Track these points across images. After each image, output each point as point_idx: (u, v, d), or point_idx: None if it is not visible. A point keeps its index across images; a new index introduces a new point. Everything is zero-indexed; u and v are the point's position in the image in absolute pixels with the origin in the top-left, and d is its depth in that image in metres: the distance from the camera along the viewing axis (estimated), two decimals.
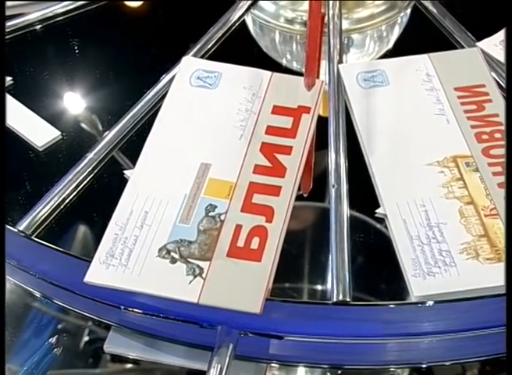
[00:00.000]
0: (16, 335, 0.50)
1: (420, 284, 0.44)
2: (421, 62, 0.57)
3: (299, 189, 0.52)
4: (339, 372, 0.48)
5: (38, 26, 0.67)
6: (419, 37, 0.66)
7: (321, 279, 0.48)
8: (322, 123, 0.55)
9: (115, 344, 0.49)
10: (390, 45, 0.67)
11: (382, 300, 0.45)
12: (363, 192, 0.51)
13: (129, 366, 0.50)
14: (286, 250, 0.46)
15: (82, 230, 0.51)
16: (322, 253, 0.49)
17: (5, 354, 0.48)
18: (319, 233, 0.51)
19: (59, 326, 0.51)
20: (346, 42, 0.67)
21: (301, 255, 0.50)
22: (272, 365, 0.48)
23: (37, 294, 0.50)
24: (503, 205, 0.47)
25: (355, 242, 0.48)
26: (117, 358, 0.49)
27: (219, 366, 0.44)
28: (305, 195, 0.54)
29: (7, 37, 0.64)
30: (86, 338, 0.51)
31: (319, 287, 0.48)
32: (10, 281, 0.50)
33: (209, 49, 0.63)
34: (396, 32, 0.69)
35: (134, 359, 0.49)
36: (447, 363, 0.47)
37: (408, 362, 0.47)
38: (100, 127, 0.58)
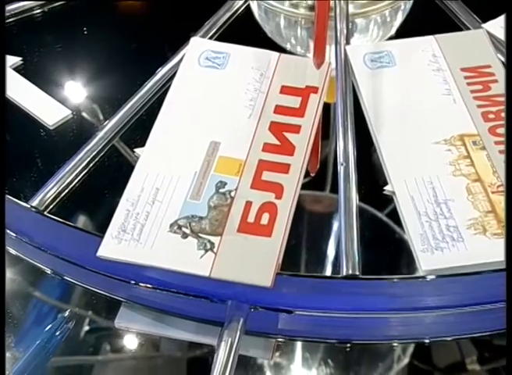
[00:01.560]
0: (17, 324, 0.50)
1: (428, 259, 0.44)
2: (427, 44, 0.58)
3: (306, 169, 0.53)
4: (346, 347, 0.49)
5: (49, 6, 0.67)
6: (424, 20, 0.66)
7: (331, 254, 0.48)
8: (330, 105, 0.55)
9: (126, 319, 0.49)
10: (395, 29, 0.68)
11: (391, 275, 0.46)
12: (371, 170, 0.51)
13: (138, 342, 0.50)
14: (295, 226, 0.47)
15: (93, 206, 0.52)
16: (332, 230, 0.49)
17: (7, 341, 0.49)
18: (328, 210, 0.52)
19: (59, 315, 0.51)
20: (350, 27, 0.68)
21: (311, 230, 0.51)
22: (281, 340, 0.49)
23: (48, 271, 0.51)
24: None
25: (364, 219, 0.48)
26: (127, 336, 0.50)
27: (230, 339, 0.44)
28: (312, 175, 0.54)
29: (17, 17, 0.65)
30: (95, 316, 0.52)
31: (329, 262, 0.48)
32: (22, 259, 0.51)
33: (214, 34, 0.63)
34: (402, 15, 0.69)
35: (144, 334, 0.49)
36: (449, 338, 0.48)
37: (412, 337, 0.48)
38: (110, 107, 0.58)
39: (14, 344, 0.48)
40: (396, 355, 0.48)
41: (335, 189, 0.50)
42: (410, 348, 0.48)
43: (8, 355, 0.47)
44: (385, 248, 0.49)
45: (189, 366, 0.49)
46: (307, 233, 0.50)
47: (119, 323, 0.49)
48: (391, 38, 0.66)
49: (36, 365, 0.47)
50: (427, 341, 0.48)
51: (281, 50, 0.65)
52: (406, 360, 0.48)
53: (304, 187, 0.50)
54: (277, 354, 0.48)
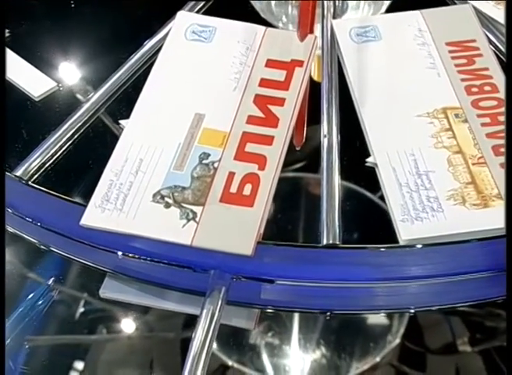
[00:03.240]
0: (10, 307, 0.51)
1: (408, 228, 0.45)
2: (413, 18, 0.58)
3: (292, 143, 0.53)
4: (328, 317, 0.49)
5: None
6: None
7: (313, 224, 0.49)
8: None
9: (111, 289, 0.50)
10: (384, 8, 0.68)
11: (371, 244, 0.46)
12: (354, 143, 0.52)
13: (122, 311, 0.51)
14: (277, 196, 0.47)
15: (78, 177, 0.52)
16: (314, 200, 0.49)
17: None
18: (310, 181, 0.52)
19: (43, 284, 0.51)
20: (340, 5, 0.68)
21: (293, 200, 0.51)
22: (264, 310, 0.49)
23: (35, 241, 0.51)
24: (490, 154, 0.48)
25: (345, 189, 0.49)
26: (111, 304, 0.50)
27: (211, 308, 0.45)
28: (298, 148, 0.55)
29: None
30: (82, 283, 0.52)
31: (312, 232, 0.49)
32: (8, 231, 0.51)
33: (202, 7, 0.63)
34: None
35: (128, 304, 0.50)
36: (433, 308, 0.48)
37: (396, 307, 0.49)
38: (96, 79, 0.58)
39: None
40: (383, 326, 0.49)
41: (318, 163, 0.50)
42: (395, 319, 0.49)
43: None
44: (366, 218, 0.49)
45: (172, 336, 0.50)
46: (290, 204, 0.51)
47: (104, 293, 0.50)
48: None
49: (17, 334, 0.47)
50: (412, 311, 0.48)
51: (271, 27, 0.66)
52: (393, 330, 0.49)
53: (289, 160, 0.50)
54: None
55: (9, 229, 0.51)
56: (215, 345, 0.47)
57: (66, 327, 0.50)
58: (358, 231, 0.48)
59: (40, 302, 0.47)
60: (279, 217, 0.50)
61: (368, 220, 0.49)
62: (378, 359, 0.48)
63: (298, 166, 0.54)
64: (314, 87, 0.56)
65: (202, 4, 0.63)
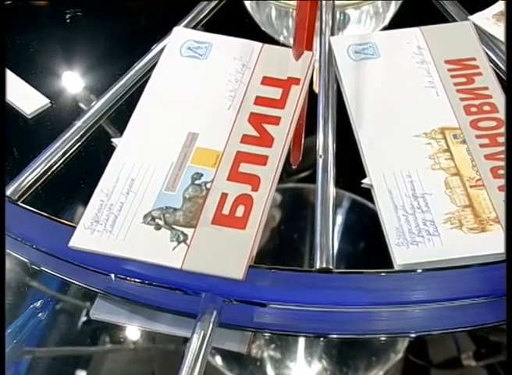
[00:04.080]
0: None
1: (403, 253, 0.44)
2: (412, 35, 0.57)
3: (288, 161, 0.52)
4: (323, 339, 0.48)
5: None
6: (415, 13, 0.65)
7: (306, 247, 0.48)
8: (313, 95, 0.55)
9: (102, 311, 0.49)
10: (386, 21, 0.67)
11: (366, 269, 0.45)
12: (350, 163, 0.51)
13: (112, 333, 0.50)
14: (271, 218, 0.46)
15: (69, 196, 0.51)
16: (308, 222, 0.49)
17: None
18: (305, 203, 0.51)
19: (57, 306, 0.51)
20: (342, 18, 0.67)
21: (286, 223, 0.50)
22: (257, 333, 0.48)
23: (26, 261, 0.50)
24: (489, 177, 0.47)
25: (340, 211, 0.48)
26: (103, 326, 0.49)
27: (202, 332, 0.44)
28: (294, 167, 0.54)
29: None
30: (73, 305, 0.51)
31: (304, 255, 0.48)
32: None
33: (200, 21, 0.63)
34: (394, 7, 0.68)
35: (119, 326, 0.49)
36: (435, 333, 0.47)
37: (395, 332, 0.48)
38: (89, 96, 0.58)
39: None
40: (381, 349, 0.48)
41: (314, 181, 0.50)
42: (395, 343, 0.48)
43: None
44: (361, 241, 0.49)
45: (163, 358, 0.49)
46: (283, 226, 0.50)
47: (94, 315, 0.49)
48: (383, 30, 0.65)
49: (7, 354, 0.46)
50: (413, 335, 0.47)
51: (272, 41, 0.65)
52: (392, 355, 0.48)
53: (284, 179, 0.49)
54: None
55: None
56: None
57: (56, 348, 0.50)
58: (353, 254, 0.47)
59: (27, 325, 0.47)
60: (272, 238, 0.49)
61: (363, 243, 0.48)
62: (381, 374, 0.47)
63: (292, 185, 0.53)
64: (310, 105, 0.55)
65: (201, 17, 0.63)
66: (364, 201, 0.48)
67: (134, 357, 0.49)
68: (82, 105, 0.56)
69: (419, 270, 0.44)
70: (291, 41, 0.66)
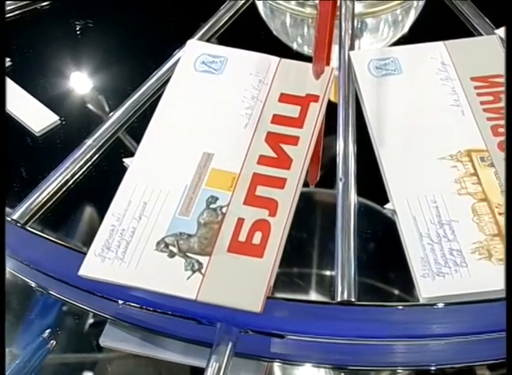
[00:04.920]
0: (19, 317, 0.49)
1: (429, 285, 0.42)
2: (436, 50, 0.55)
3: (305, 181, 0.50)
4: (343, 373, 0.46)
5: (38, 6, 0.64)
6: (435, 23, 0.63)
7: (326, 276, 0.46)
8: (331, 113, 0.53)
9: (111, 338, 0.47)
10: (405, 30, 0.65)
11: (389, 300, 0.43)
12: (371, 186, 0.49)
13: (123, 362, 0.48)
14: (289, 245, 0.44)
15: (78, 220, 0.49)
16: (328, 249, 0.46)
17: (8, 337, 0.47)
18: (325, 227, 0.49)
19: (64, 308, 0.49)
20: (359, 26, 0.65)
21: (305, 251, 0.48)
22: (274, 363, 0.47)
23: (33, 284, 0.49)
24: None
25: (362, 239, 0.46)
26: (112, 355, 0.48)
27: (217, 364, 0.42)
28: (312, 187, 0.52)
29: (6, 16, 0.62)
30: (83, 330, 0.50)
31: (324, 285, 0.46)
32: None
33: (217, 31, 0.61)
34: (412, 16, 0.66)
35: (130, 354, 0.47)
36: (456, 366, 0.45)
37: (415, 364, 0.46)
38: (100, 113, 0.56)
39: None
40: None
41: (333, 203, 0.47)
42: None
43: None
44: (383, 271, 0.46)
45: None
46: (302, 254, 0.48)
47: (104, 342, 0.47)
48: (400, 40, 0.63)
49: None
50: (433, 368, 0.45)
51: (287, 49, 0.63)
52: None
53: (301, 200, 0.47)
54: None
55: (8, 269, 0.49)
56: None
57: None
58: (375, 285, 0.45)
59: (36, 355, 0.45)
60: (290, 267, 0.47)
61: (386, 273, 0.46)
62: None
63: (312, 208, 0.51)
64: (329, 121, 0.53)
65: (217, 28, 0.61)
66: (387, 228, 0.46)
67: None
68: (93, 123, 0.54)
69: (441, 304, 0.42)
70: (305, 48, 0.64)
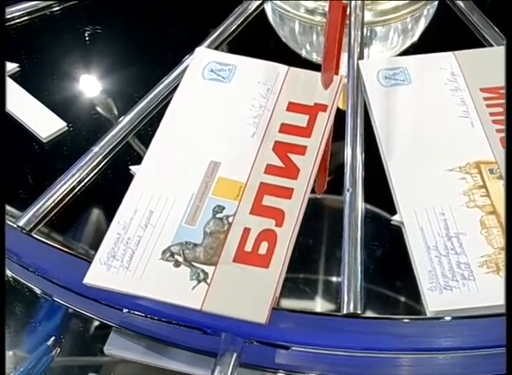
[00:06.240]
0: (24, 321, 0.49)
1: (436, 299, 0.42)
2: (445, 60, 0.54)
3: (313, 190, 0.50)
4: None
5: (47, 11, 0.64)
6: (444, 32, 0.63)
7: (333, 286, 0.46)
8: (339, 122, 0.52)
9: (116, 346, 0.47)
10: (414, 39, 0.65)
11: (396, 313, 0.43)
12: (379, 197, 0.48)
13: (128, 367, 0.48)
14: (295, 256, 0.44)
15: (84, 227, 0.49)
16: (334, 261, 0.46)
17: (13, 340, 0.47)
18: (331, 238, 0.49)
19: (68, 315, 0.49)
20: (368, 35, 0.65)
21: (312, 261, 0.48)
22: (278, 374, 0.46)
23: (38, 291, 0.49)
24: None
25: (369, 251, 0.45)
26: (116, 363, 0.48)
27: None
28: (319, 196, 0.51)
29: (15, 21, 0.63)
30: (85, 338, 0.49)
31: (330, 295, 0.45)
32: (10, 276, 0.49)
33: (226, 38, 0.61)
34: (421, 26, 0.66)
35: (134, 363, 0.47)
36: None
37: None
38: (108, 119, 0.56)
39: None
40: None
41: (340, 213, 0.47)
42: None
43: None
44: (390, 283, 0.46)
45: None
46: (308, 264, 0.48)
47: (108, 350, 0.47)
48: (409, 49, 0.63)
49: None
50: None
51: (295, 57, 0.63)
52: None
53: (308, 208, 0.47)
54: None
55: (13, 275, 0.49)
56: None
57: None
58: (382, 297, 0.45)
59: (40, 363, 0.45)
60: (296, 277, 0.47)
61: (393, 286, 0.46)
62: None
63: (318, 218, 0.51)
64: (337, 130, 0.53)
65: (225, 37, 0.61)
66: (394, 240, 0.46)
67: None
68: (100, 130, 0.54)
69: (449, 318, 0.41)
70: (314, 56, 0.64)
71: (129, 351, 0.47)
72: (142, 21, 0.65)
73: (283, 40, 0.66)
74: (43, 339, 0.47)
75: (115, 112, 0.55)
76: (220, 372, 0.42)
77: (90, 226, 0.49)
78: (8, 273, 0.49)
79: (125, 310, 0.45)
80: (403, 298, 0.45)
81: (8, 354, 0.47)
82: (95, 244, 0.45)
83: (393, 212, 0.47)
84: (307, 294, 0.46)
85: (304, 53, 0.65)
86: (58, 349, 0.46)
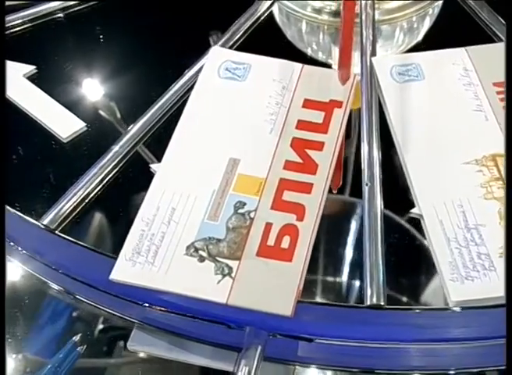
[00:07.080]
0: (30, 322, 0.49)
1: (458, 289, 0.42)
2: (458, 56, 0.55)
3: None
4: None
5: (62, 14, 0.65)
6: (454, 29, 0.63)
7: (355, 280, 0.46)
8: (355, 118, 0.53)
9: (139, 342, 0.47)
10: (422, 37, 0.65)
11: (418, 304, 0.43)
12: (397, 191, 0.49)
13: (150, 366, 0.48)
14: (318, 249, 0.45)
15: (107, 225, 0.50)
16: (356, 253, 0.47)
17: (20, 341, 0.48)
18: (352, 232, 0.49)
19: (74, 314, 0.49)
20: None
21: (334, 255, 0.48)
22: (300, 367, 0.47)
23: (59, 288, 0.49)
24: None
25: (389, 244, 0.46)
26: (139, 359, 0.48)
27: (247, 368, 0.42)
28: (335, 192, 0.52)
29: (30, 24, 0.63)
30: (109, 335, 0.50)
31: (352, 289, 0.46)
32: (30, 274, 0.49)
33: (237, 40, 0.61)
34: (429, 23, 0.66)
35: (157, 359, 0.47)
36: (475, 370, 0.45)
37: (444, 368, 0.46)
38: (126, 119, 0.56)
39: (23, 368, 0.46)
40: None
41: (359, 208, 0.48)
42: None
43: None
44: (412, 275, 0.47)
45: None
46: (330, 258, 0.48)
47: (132, 346, 0.47)
48: (417, 47, 0.63)
49: None
50: (452, 372, 0.45)
51: (303, 56, 0.64)
52: None
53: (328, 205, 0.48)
54: None
55: (36, 274, 0.49)
56: None
57: None
58: (404, 289, 0.45)
59: (67, 360, 0.45)
60: (318, 270, 0.48)
61: (415, 277, 0.46)
62: None
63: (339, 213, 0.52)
64: (353, 126, 0.53)
65: (236, 38, 0.61)
66: (414, 233, 0.46)
67: None
68: (119, 129, 0.55)
69: (471, 308, 0.42)
70: (321, 55, 0.65)
71: (153, 346, 0.47)
72: (159, 22, 0.65)
73: (291, 40, 0.66)
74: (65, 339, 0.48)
75: (133, 111, 0.55)
76: (245, 365, 0.42)
77: (113, 223, 0.50)
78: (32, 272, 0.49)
79: (149, 306, 0.46)
80: (424, 289, 0.45)
81: (18, 357, 0.47)
82: (119, 242, 0.45)
83: (411, 205, 0.47)
84: (329, 287, 0.47)
85: (310, 52, 0.65)
86: (85, 346, 0.46)
